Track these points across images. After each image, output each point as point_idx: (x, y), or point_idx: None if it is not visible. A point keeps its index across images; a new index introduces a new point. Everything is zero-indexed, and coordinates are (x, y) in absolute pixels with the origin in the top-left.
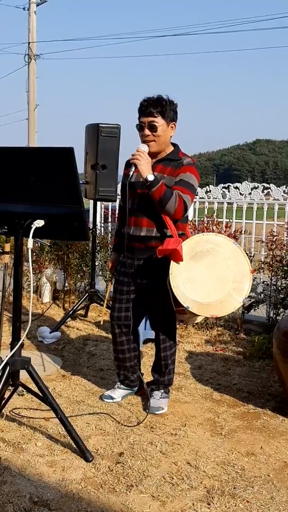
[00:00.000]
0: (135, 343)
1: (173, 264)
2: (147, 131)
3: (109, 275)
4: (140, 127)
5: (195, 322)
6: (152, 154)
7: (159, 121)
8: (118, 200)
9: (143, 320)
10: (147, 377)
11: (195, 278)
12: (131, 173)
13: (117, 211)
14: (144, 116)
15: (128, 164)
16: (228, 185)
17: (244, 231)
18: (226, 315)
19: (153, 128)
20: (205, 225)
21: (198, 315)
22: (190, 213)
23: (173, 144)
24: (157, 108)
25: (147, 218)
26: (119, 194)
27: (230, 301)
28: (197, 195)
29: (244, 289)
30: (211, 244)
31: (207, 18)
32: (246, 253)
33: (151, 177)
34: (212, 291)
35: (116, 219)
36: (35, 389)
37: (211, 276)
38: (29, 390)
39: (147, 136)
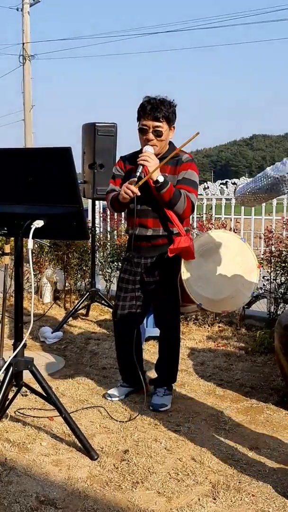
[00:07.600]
0: (138, 341)
1: (183, 262)
2: (151, 135)
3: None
4: (144, 131)
5: (198, 316)
6: None
7: (163, 126)
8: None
9: (145, 317)
10: (150, 374)
11: (206, 275)
12: (137, 173)
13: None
14: (148, 119)
15: (124, 160)
16: (226, 181)
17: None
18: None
19: (158, 133)
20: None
21: (211, 311)
22: None
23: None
24: (162, 112)
25: (152, 219)
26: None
27: (240, 296)
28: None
29: (252, 284)
30: (220, 241)
31: (202, 12)
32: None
33: (161, 178)
34: (223, 287)
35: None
36: (39, 389)
37: (221, 273)
38: (33, 390)
39: (151, 141)
